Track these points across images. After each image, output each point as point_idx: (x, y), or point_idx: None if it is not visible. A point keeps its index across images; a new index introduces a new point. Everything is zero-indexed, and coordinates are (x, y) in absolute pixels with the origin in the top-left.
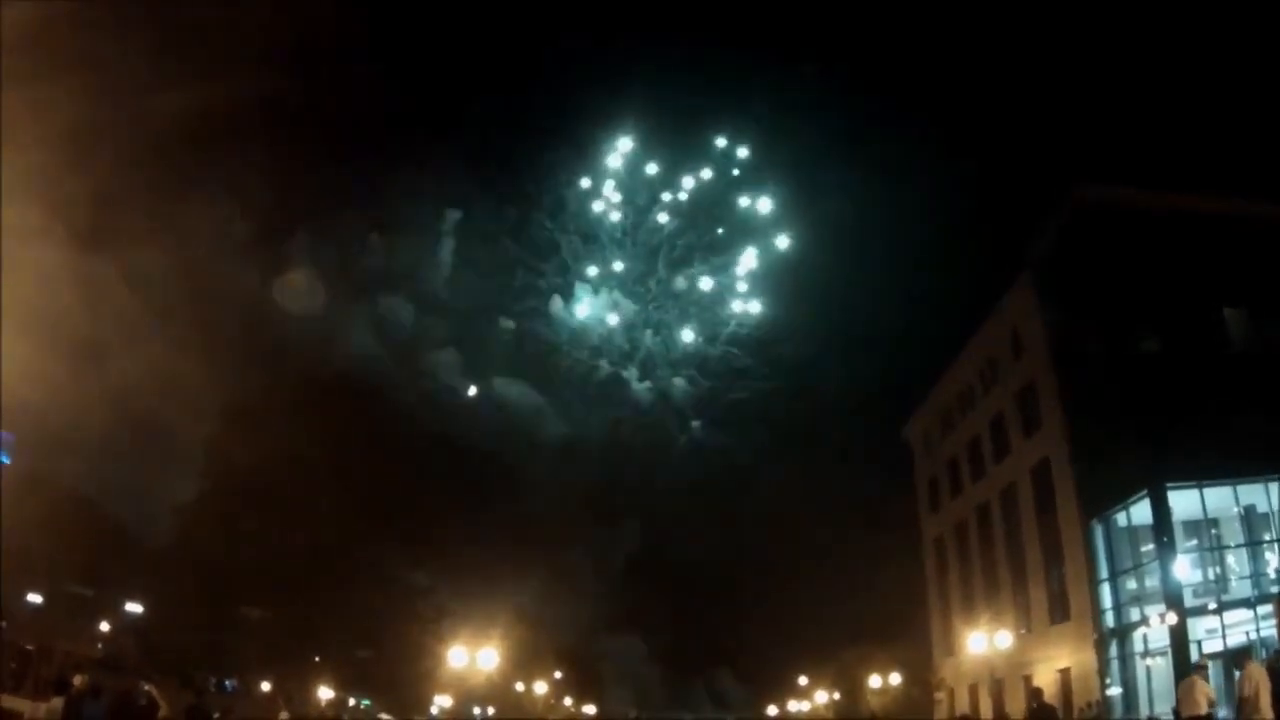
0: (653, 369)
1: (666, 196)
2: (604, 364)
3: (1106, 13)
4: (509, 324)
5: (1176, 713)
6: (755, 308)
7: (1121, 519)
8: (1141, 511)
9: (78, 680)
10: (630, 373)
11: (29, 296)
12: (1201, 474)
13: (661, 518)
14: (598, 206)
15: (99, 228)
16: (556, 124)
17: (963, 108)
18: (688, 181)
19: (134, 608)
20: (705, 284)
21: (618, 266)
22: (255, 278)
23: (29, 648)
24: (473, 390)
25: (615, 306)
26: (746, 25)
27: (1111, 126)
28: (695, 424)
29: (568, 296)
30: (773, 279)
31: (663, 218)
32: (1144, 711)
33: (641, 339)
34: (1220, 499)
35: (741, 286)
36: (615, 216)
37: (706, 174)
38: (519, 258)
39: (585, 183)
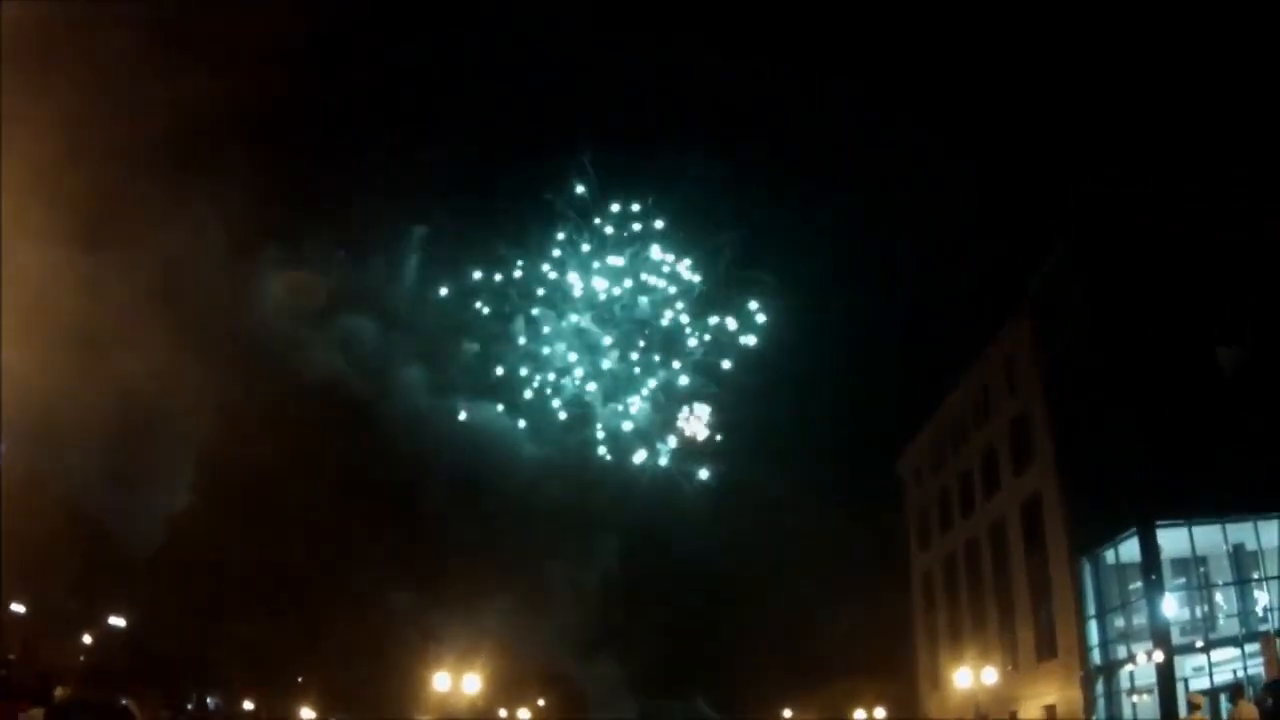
0: (616, 393)
1: (632, 221)
2: (569, 385)
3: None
4: (473, 346)
5: None
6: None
7: (1110, 556)
8: (1130, 549)
9: (59, 692)
10: (595, 396)
11: (18, 305)
12: (1191, 512)
13: (638, 544)
14: (561, 232)
15: (78, 237)
16: (517, 149)
17: (959, 130)
18: (654, 201)
19: (118, 621)
20: (669, 312)
21: (581, 290)
22: (236, 288)
23: (11, 657)
24: (463, 415)
25: (579, 331)
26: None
27: (1112, 154)
28: (662, 448)
29: (530, 320)
30: (751, 308)
31: (624, 244)
32: None
33: (604, 363)
34: (1209, 537)
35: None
36: (582, 243)
37: (676, 196)
38: (482, 283)
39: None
